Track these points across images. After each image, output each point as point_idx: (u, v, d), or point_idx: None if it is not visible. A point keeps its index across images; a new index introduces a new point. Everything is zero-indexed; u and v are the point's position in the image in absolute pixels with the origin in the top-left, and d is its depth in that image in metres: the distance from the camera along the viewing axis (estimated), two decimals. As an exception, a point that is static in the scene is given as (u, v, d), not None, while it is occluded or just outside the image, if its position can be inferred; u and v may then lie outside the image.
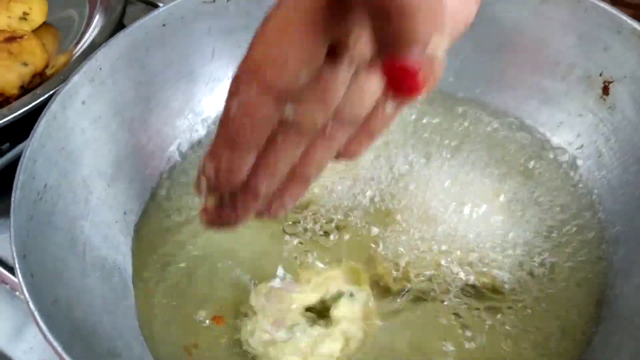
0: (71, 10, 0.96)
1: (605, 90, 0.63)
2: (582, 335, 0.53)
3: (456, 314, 0.55)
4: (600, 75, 0.64)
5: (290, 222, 0.62)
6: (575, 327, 0.54)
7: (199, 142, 0.71)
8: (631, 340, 0.49)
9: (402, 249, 0.58)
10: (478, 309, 0.55)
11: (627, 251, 0.57)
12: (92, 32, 0.92)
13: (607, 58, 0.63)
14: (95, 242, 0.58)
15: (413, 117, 0.71)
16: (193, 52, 0.71)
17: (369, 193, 0.63)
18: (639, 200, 0.58)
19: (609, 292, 0.55)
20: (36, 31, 0.89)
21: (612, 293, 0.55)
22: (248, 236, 0.61)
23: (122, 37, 0.65)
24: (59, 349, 0.42)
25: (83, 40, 0.91)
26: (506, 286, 0.55)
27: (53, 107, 0.57)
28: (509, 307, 0.55)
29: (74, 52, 0.88)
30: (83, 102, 0.61)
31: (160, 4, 0.70)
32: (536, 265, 0.57)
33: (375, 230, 0.61)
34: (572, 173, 0.65)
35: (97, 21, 0.94)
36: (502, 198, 0.61)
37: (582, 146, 0.65)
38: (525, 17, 0.68)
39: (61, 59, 0.88)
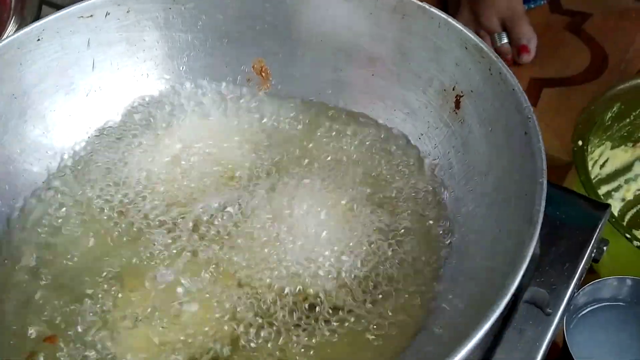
0: (-19, 20, 0.97)
1: (457, 103, 0.65)
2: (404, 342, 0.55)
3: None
4: (453, 89, 0.66)
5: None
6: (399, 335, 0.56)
7: (80, 153, 0.73)
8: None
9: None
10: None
11: (457, 262, 0.58)
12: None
13: (458, 72, 0.65)
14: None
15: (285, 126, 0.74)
16: (72, 65, 0.73)
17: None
18: (473, 212, 0.60)
19: (434, 302, 0.57)
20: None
21: (438, 304, 0.57)
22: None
23: (-11, 53, 0.67)
24: None
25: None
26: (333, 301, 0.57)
27: None
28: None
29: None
30: (-56, 119, 0.63)
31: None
32: (366, 273, 0.59)
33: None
34: (427, 184, 0.67)
35: (9, 31, 0.96)
36: (344, 205, 0.63)
37: (438, 157, 0.67)
38: (391, 30, 0.70)
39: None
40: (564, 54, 1.22)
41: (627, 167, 1.02)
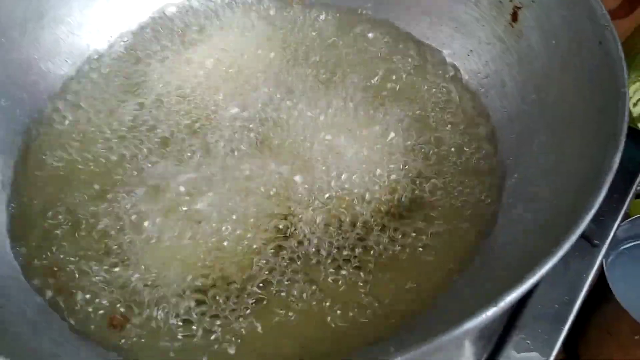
0: None
1: (514, 16, 0.60)
2: (456, 267, 0.51)
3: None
4: (511, 0, 0.60)
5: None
6: (455, 255, 0.52)
7: (97, 59, 0.68)
8: (501, 270, 0.48)
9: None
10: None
11: (515, 183, 0.55)
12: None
13: (517, -19, 0.59)
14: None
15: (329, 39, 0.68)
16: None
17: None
18: (532, 130, 0.56)
19: (492, 221, 0.53)
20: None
21: (493, 226, 0.53)
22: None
23: (6, -54, 0.61)
24: None
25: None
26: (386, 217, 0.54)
27: None
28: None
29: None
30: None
31: None
32: (423, 193, 0.55)
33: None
34: (474, 104, 0.62)
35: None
36: (395, 127, 0.59)
37: (488, 75, 0.63)
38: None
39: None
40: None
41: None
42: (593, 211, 0.39)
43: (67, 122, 0.62)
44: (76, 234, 0.54)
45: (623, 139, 0.42)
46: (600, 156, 0.43)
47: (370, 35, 0.68)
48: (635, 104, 0.97)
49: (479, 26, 0.64)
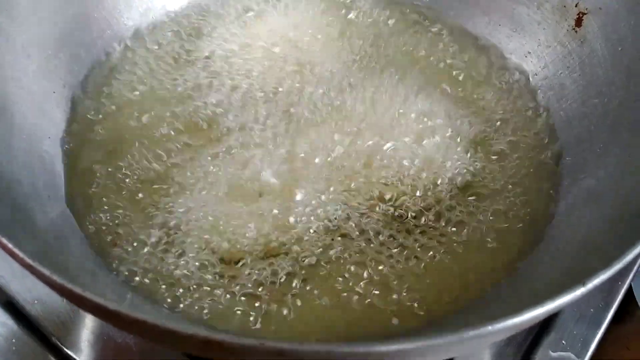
0: None
1: (579, 21, 0.61)
2: (514, 258, 0.52)
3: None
4: (576, 5, 0.61)
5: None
6: (511, 250, 0.53)
7: (153, 24, 0.68)
8: (558, 266, 0.48)
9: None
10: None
11: (571, 182, 0.55)
12: None
13: (585, -13, 0.60)
14: (27, 108, 0.55)
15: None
16: None
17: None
18: (592, 133, 0.56)
19: (548, 220, 0.54)
20: None
21: (551, 223, 0.54)
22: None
23: None
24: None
25: None
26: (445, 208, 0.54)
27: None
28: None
29: None
30: (29, -36, 0.57)
31: None
32: (481, 191, 0.56)
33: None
34: (531, 104, 0.63)
35: None
36: (453, 123, 0.60)
37: (546, 77, 0.63)
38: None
39: None
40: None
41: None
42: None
43: (123, 80, 0.62)
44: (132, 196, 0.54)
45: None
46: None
47: (428, 30, 0.69)
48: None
49: (540, 29, 0.64)
